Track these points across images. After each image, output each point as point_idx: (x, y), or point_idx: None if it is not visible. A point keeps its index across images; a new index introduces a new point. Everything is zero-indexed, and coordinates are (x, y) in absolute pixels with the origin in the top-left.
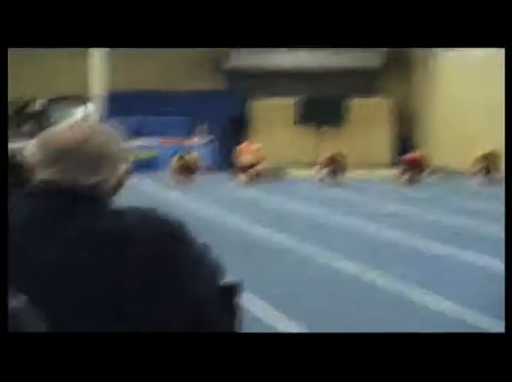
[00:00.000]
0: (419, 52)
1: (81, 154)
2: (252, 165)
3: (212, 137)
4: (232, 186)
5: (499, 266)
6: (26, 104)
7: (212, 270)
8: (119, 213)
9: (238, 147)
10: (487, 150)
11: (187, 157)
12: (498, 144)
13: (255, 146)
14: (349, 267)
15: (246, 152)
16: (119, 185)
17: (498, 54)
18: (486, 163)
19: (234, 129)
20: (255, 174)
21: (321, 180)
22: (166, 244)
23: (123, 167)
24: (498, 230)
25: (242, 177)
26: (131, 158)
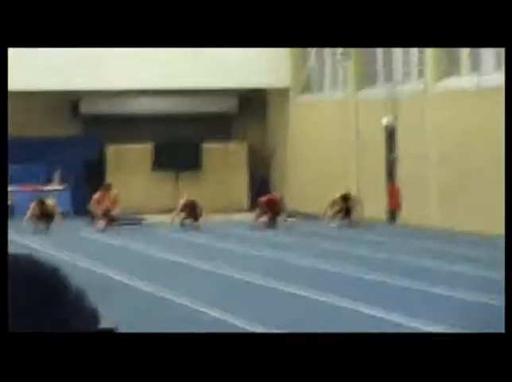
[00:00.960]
0: (272, 96)
1: None
2: (109, 211)
3: (68, 183)
4: (89, 232)
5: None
6: None
7: (90, 314)
8: None
9: (95, 194)
10: (343, 192)
11: (45, 203)
12: (353, 186)
13: (112, 192)
14: (207, 310)
15: (103, 198)
16: None
17: (348, 98)
18: (343, 205)
19: (91, 175)
20: (111, 220)
21: (180, 225)
22: (46, 289)
23: None
24: (351, 271)
25: (99, 223)
26: None
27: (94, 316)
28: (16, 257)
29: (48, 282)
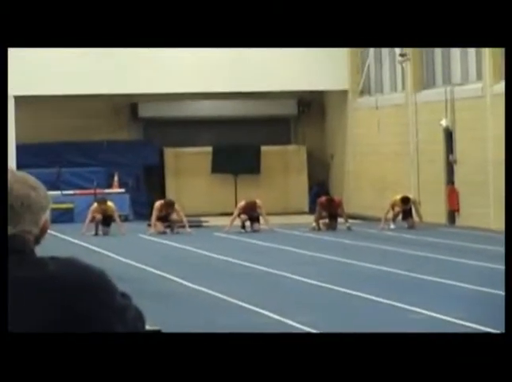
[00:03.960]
0: (331, 98)
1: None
2: (167, 216)
3: (128, 187)
4: (149, 235)
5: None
6: None
7: (135, 318)
8: (43, 263)
9: (157, 202)
10: (403, 194)
11: (106, 204)
12: (412, 188)
13: (172, 201)
14: (264, 315)
15: (163, 206)
16: (42, 234)
17: (407, 100)
18: (403, 207)
19: (150, 178)
20: (172, 224)
21: (241, 227)
22: (89, 292)
23: (45, 216)
24: (411, 276)
25: (159, 226)
26: (50, 208)
27: (140, 317)
28: (60, 261)
29: (93, 285)
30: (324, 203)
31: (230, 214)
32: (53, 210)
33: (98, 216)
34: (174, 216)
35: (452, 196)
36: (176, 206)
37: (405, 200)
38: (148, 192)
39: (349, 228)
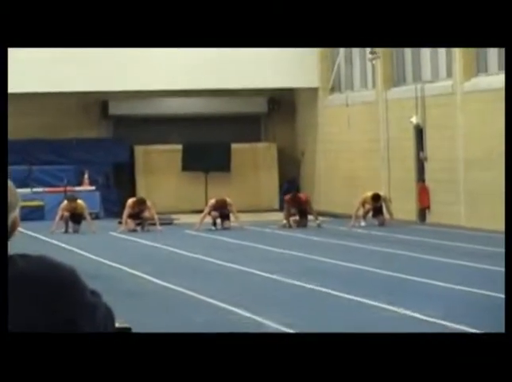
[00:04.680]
0: (301, 96)
1: None
2: (139, 213)
3: (98, 184)
4: (120, 233)
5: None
6: None
7: (105, 316)
8: (12, 260)
9: (129, 199)
10: (374, 191)
11: (76, 201)
12: (382, 186)
13: (144, 198)
14: (234, 312)
15: (136, 203)
16: (11, 232)
17: (377, 98)
18: (373, 205)
19: (120, 176)
20: (143, 221)
21: (212, 224)
22: (60, 289)
23: (14, 214)
24: (385, 275)
25: (130, 224)
26: (20, 205)
27: (109, 315)
28: (31, 258)
29: (64, 283)
30: (290, 200)
31: (201, 212)
32: (23, 208)
33: (66, 214)
34: (146, 214)
35: (423, 193)
36: (148, 203)
37: (376, 198)
38: (118, 190)
39: (319, 226)
